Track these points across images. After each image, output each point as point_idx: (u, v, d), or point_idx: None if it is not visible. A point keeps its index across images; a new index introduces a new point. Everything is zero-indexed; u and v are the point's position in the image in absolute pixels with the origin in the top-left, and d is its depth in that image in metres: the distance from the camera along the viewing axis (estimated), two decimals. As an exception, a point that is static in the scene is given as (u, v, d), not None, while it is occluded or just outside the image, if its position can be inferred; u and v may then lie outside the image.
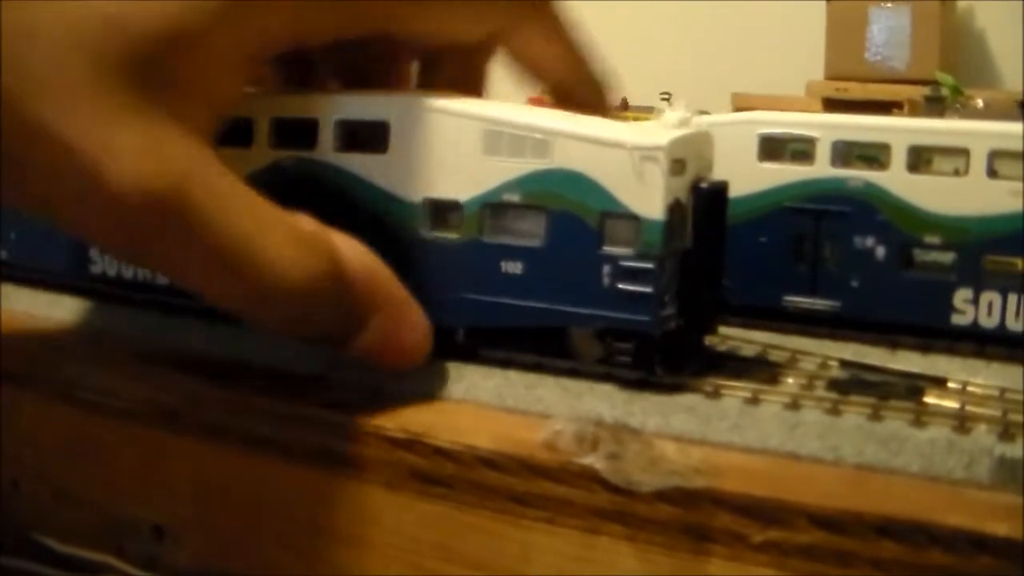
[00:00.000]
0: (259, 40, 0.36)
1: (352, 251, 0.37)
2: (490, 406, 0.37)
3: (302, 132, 0.41)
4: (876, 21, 1.73)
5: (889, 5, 1.72)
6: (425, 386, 0.38)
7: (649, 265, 0.36)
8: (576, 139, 0.37)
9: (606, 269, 0.37)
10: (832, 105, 1.57)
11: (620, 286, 0.36)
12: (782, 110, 0.48)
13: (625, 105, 1.35)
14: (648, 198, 0.36)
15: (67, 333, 0.47)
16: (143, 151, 0.32)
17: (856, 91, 1.62)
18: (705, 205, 0.38)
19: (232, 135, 0.40)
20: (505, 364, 0.39)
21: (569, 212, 0.37)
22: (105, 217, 0.33)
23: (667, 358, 0.37)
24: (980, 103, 1.17)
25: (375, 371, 0.38)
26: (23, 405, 0.44)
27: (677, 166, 0.36)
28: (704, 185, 0.38)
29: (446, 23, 0.42)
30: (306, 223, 0.36)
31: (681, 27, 2.01)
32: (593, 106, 0.42)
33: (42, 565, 0.44)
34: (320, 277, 0.35)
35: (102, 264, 0.48)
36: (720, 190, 0.39)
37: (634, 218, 0.36)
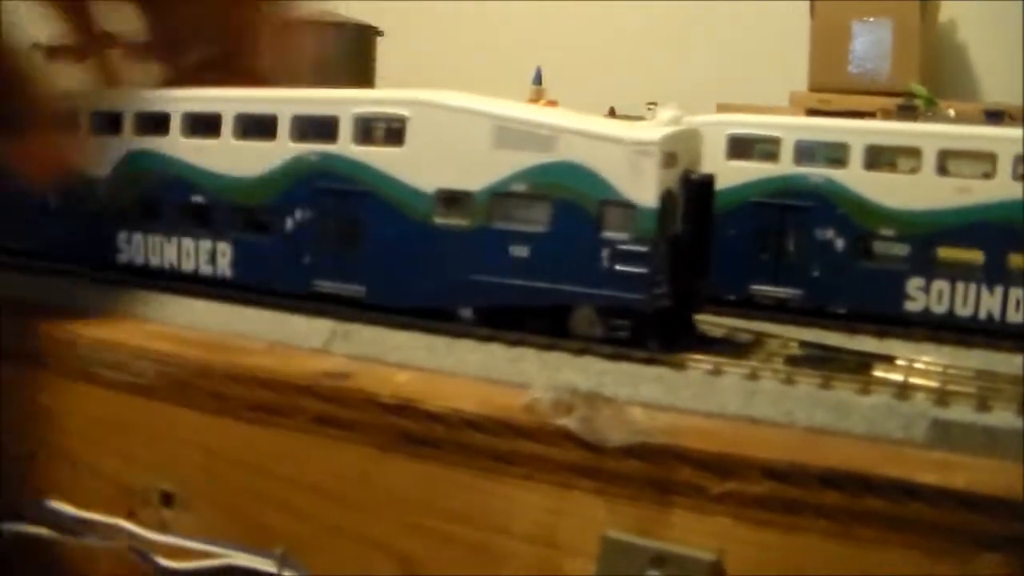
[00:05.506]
0: None
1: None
2: (476, 377, 0.40)
3: (322, 127, 0.45)
4: (858, 35, 1.77)
5: (871, 19, 1.76)
6: (415, 359, 0.41)
7: (644, 248, 0.40)
8: (579, 135, 0.40)
9: (605, 252, 0.40)
10: (815, 116, 1.60)
11: (617, 267, 0.40)
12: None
13: (613, 113, 1.40)
14: (643, 188, 0.39)
15: (77, 316, 0.50)
16: None
17: (838, 102, 1.66)
18: (694, 195, 0.42)
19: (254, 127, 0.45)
20: (489, 340, 0.42)
21: (571, 201, 0.40)
22: None
23: (660, 334, 0.41)
24: (952, 113, 1.21)
25: (371, 345, 0.42)
26: (40, 384, 0.47)
27: (669, 159, 0.40)
28: (694, 176, 0.42)
29: None
30: None
31: (670, 39, 2.05)
32: None
33: (58, 531, 0.47)
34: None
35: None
36: (708, 182, 0.43)
37: (630, 206, 0.40)
